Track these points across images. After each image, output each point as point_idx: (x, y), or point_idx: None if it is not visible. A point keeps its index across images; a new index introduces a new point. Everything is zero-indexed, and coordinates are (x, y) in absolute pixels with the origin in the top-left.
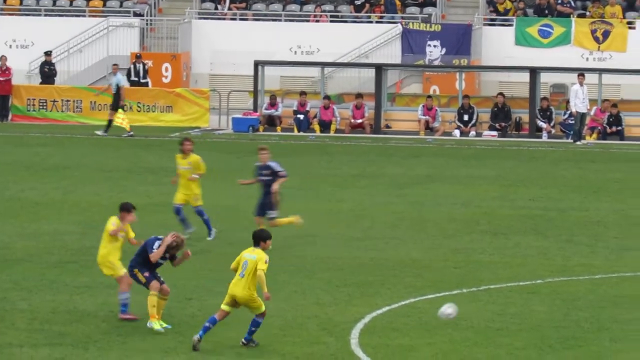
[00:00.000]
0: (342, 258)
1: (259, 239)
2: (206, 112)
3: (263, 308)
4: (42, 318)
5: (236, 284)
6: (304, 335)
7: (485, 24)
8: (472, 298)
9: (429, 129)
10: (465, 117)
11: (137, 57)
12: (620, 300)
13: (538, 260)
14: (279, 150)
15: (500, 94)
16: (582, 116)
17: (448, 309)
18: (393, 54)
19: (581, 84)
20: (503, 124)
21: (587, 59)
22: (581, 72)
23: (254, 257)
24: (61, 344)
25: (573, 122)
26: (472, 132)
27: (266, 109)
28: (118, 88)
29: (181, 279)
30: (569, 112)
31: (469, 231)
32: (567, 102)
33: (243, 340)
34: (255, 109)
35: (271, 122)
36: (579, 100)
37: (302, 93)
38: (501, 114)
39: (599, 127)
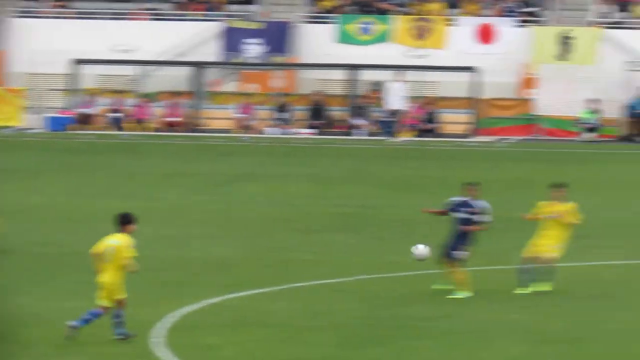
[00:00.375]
0: (153, 257)
1: (123, 222)
2: (20, 111)
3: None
4: None
5: (102, 272)
6: (109, 334)
7: (305, 22)
8: (280, 296)
9: (245, 127)
10: (282, 115)
11: None
12: (424, 298)
13: (350, 258)
14: (93, 149)
15: (317, 91)
16: (399, 113)
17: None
18: (213, 52)
19: (398, 81)
20: (319, 122)
21: (407, 56)
22: (399, 70)
23: (118, 242)
24: None
25: (389, 119)
26: (289, 130)
27: (81, 107)
28: None
29: None
30: (385, 109)
31: (282, 229)
32: (384, 99)
33: (115, 335)
34: (70, 108)
35: (86, 120)
36: (396, 98)
37: (119, 91)
38: (318, 112)
39: (415, 124)
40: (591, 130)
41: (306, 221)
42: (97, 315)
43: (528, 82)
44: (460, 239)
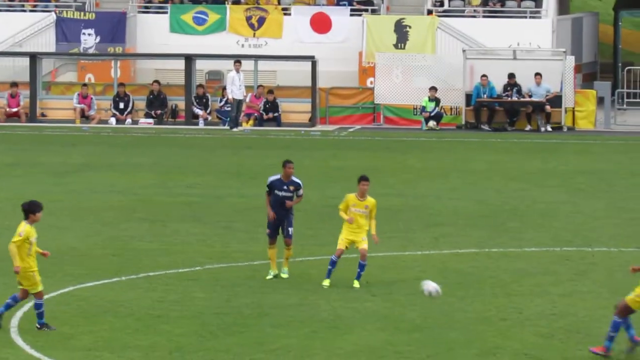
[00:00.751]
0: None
1: (28, 211)
2: None
3: (39, 288)
4: None
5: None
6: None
7: (139, 12)
8: (131, 285)
9: (84, 117)
10: (121, 105)
11: None
12: (280, 286)
13: (197, 247)
14: None
15: (156, 81)
16: (239, 103)
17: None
18: (47, 42)
19: (237, 71)
20: (159, 112)
21: (243, 45)
22: (237, 59)
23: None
24: None
25: (229, 109)
26: (129, 120)
27: None
28: None
29: None
30: (225, 99)
31: (127, 219)
32: (224, 89)
33: (37, 324)
34: None
35: None
36: (236, 87)
37: None
38: (157, 102)
39: (256, 114)
40: (433, 118)
41: (151, 210)
42: (38, 307)
43: (367, 71)
44: (288, 216)
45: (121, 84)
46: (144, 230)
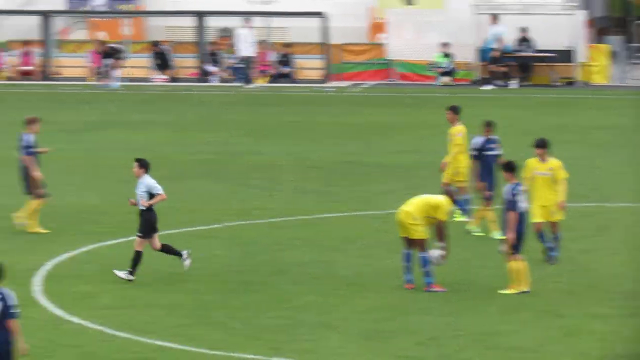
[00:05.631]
0: (18, 206)
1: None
2: None
3: None
4: None
5: None
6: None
7: None
8: None
9: (98, 74)
10: (133, 63)
11: None
12: (298, 243)
13: (215, 204)
14: None
15: (166, 39)
16: (250, 60)
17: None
18: (59, 0)
19: (248, 28)
20: (171, 69)
21: (253, 2)
22: (247, 16)
23: None
24: None
25: (242, 65)
26: (143, 77)
27: None
28: None
29: None
30: (237, 55)
31: None
32: (235, 46)
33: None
34: None
35: None
36: (246, 44)
37: None
38: (168, 59)
39: (269, 70)
40: (446, 74)
41: (168, 168)
42: None
43: (377, 27)
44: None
45: (132, 42)
46: (162, 188)
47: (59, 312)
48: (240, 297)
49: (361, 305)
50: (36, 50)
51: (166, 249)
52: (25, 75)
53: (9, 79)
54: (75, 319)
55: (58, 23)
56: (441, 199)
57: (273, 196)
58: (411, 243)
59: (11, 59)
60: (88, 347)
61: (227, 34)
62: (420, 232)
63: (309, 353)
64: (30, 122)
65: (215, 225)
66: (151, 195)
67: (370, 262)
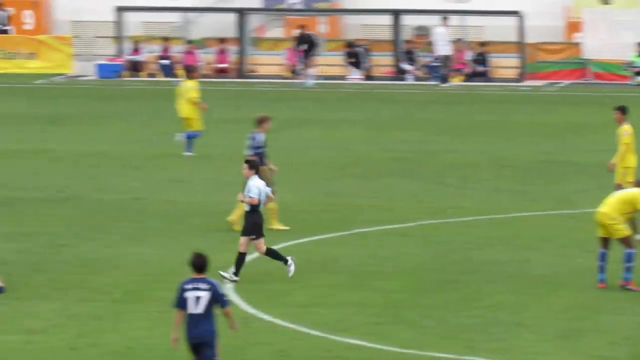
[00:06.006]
0: (213, 203)
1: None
2: (69, 58)
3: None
4: None
5: None
6: (177, 280)
7: None
8: (344, 242)
9: (294, 72)
10: (327, 61)
11: None
12: (491, 242)
13: (409, 203)
14: (145, 95)
15: (356, 40)
16: (447, 58)
17: None
18: None
19: (444, 26)
20: (367, 67)
21: (450, 0)
22: (444, 15)
23: None
24: None
25: (438, 64)
26: (336, 76)
27: (130, 54)
28: None
29: (52, 226)
30: (433, 54)
31: (339, 175)
32: (431, 44)
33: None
34: (118, 55)
35: (135, 67)
36: (443, 43)
37: (165, 38)
38: (364, 58)
39: (464, 69)
40: None
41: (363, 166)
42: None
43: (573, 26)
44: None
45: (327, 40)
46: (355, 186)
47: (252, 310)
48: (433, 296)
49: (556, 304)
50: (232, 47)
51: (271, 254)
52: (221, 72)
53: (204, 76)
54: (266, 317)
55: (254, 20)
56: (634, 191)
57: (466, 195)
58: (608, 243)
59: (207, 57)
60: (280, 345)
61: (423, 32)
62: (622, 230)
63: (502, 352)
64: (262, 120)
65: (409, 224)
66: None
67: (565, 261)
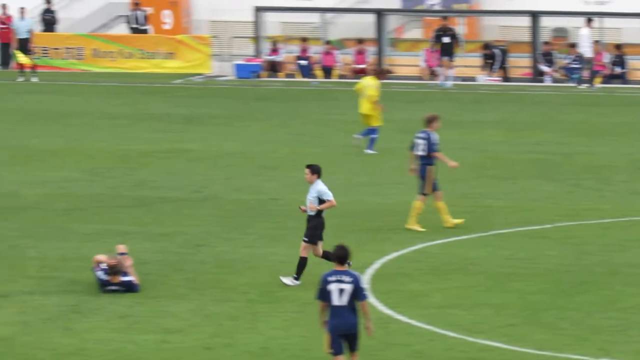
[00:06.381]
0: (350, 204)
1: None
2: (208, 58)
3: None
4: (52, 266)
5: None
6: (314, 281)
7: None
8: (481, 243)
9: (433, 74)
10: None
11: (136, 4)
12: (630, 244)
13: (546, 204)
14: (283, 96)
15: (494, 41)
16: (586, 60)
17: None
18: None
19: (584, 28)
20: (504, 69)
21: (588, 2)
22: (583, 16)
23: None
24: (73, 291)
25: (578, 66)
26: (474, 77)
27: (268, 55)
28: (29, 32)
29: (190, 226)
30: (573, 56)
31: (476, 176)
32: (570, 45)
33: None
34: (257, 55)
35: (273, 68)
36: (583, 44)
37: (304, 39)
38: (501, 59)
39: (602, 71)
40: None
41: (500, 168)
42: None
43: None
44: None
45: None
46: (493, 188)
47: (388, 311)
48: (570, 298)
49: None
50: (370, 48)
51: (327, 257)
52: (358, 73)
53: (341, 76)
54: (403, 318)
55: (392, 21)
56: None
57: (605, 197)
58: None
59: (345, 57)
60: (416, 346)
61: (561, 34)
62: None
63: (638, 355)
64: (432, 119)
65: (547, 226)
66: (321, 202)
67: None
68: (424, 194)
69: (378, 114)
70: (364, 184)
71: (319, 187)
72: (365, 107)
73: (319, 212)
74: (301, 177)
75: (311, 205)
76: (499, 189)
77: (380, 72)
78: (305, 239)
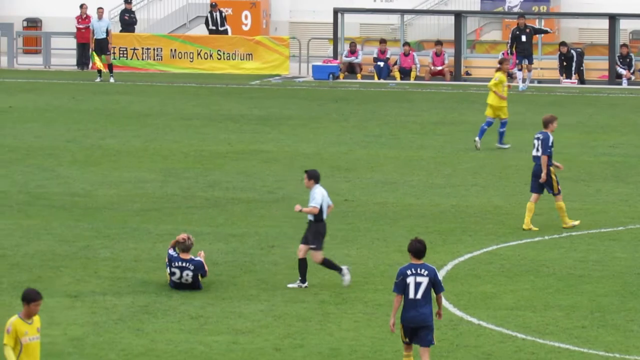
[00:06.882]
0: (423, 205)
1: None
2: (286, 59)
3: None
4: (125, 266)
5: None
6: (386, 282)
7: None
8: (553, 245)
9: (510, 76)
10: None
11: (213, 6)
12: None
13: (619, 207)
14: (361, 97)
15: (562, 42)
16: None
17: None
18: (472, 0)
19: None
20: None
21: None
22: None
23: None
24: (144, 291)
25: None
26: (551, 79)
27: (346, 56)
28: (107, 32)
29: (263, 227)
30: None
31: None
32: None
33: None
34: (335, 57)
35: (351, 69)
36: None
37: (382, 40)
38: (578, 61)
39: None
40: None
41: (575, 170)
42: None
43: None
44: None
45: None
46: (567, 190)
47: (459, 312)
48: None
49: None
50: (448, 50)
51: (327, 264)
52: (436, 75)
53: (418, 78)
54: (473, 320)
55: (471, 23)
56: None
57: None
58: None
59: (423, 59)
60: (485, 348)
61: (639, 37)
62: None
63: None
64: (550, 120)
65: (619, 228)
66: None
67: None
68: (556, 194)
69: (505, 104)
70: (439, 186)
71: (312, 191)
72: (491, 98)
73: (319, 218)
74: (377, 179)
75: (296, 207)
76: (573, 191)
77: (501, 63)
78: (313, 247)
